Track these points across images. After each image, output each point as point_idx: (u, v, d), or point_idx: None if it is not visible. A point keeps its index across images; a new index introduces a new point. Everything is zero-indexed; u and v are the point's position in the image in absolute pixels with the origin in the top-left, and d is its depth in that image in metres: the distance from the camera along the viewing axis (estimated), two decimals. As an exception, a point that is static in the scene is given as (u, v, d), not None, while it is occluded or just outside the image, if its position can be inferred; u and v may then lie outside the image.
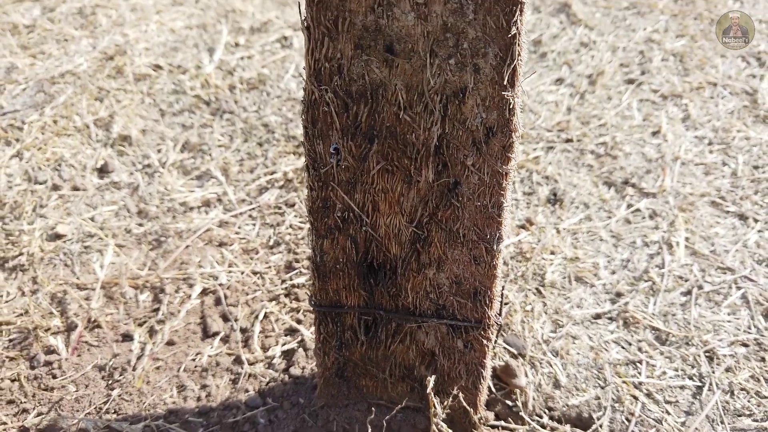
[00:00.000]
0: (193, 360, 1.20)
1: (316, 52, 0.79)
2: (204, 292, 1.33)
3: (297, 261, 1.40)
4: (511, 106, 0.79)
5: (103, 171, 1.64)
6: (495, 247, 0.87)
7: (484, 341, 0.96)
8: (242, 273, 1.37)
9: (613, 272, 1.36)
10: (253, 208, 1.54)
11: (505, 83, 0.77)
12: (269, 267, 1.39)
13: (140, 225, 1.49)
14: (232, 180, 1.61)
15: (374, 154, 0.84)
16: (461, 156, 0.82)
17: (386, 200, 0.86)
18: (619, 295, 1.31)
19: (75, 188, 1.59)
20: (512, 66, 0.77)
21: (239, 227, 1.49)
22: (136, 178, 1.62)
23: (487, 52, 0.77)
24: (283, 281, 1.36)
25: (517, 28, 0.75)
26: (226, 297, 1.31)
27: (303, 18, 0.78)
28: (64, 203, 1.55)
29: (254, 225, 1.50)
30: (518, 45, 0.76)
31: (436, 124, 0.81)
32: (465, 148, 0.82)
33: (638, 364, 1.18)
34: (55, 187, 1.60)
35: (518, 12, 0.74)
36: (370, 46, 0.78)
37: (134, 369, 1.18)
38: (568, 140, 1.68)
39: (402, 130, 0.82)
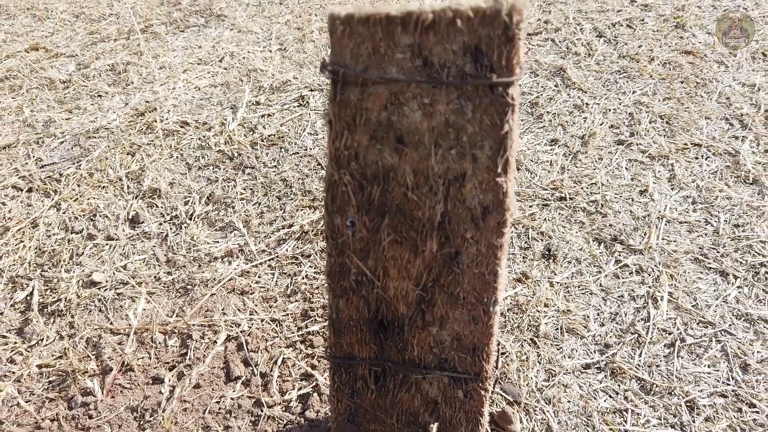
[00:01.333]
0: (218, 402, 1.31)
1: (337, 142, 0.94)
2: (228, 338, 1.45)
3: (312, 310, 1.52)
4: (504, 190, 0.93)
5: (134, 222, 1.79)
6: (491, 309, 0.99)
7: (482, 392, 1.07)
8: (262, 320, 1.50)
9: (602, 324, 1.47)
10: (272, 259, 1.67)
11: (499, 171, 0.91)
12: (287, 315, 1.51)
13: (169, 273, 1.62)
14: (253, 232, 1.75)
15: (385, 227, 0.97)
16: (461, 230, 0.96)
17: (395, 266, 1.00)
18: (607, 346, 1.42)
19: (109, 238, 1.74)
20: (505, 156, 0.91)
21: (259, 276, 1.62)
22: (165, 229, 1.76)
23: (483, 144, 0.91)
24: (299, 329, 1.48)
25: (510, 125, 0.89)
26: (247, 343, 1.43)
27: (325, 111, 0.93)
28: (98, 252, 1.69)
29: (273, 274, 1.63)
30: (510, 139, 0.90)
31: (439, 203, 0.95)
32: (465, 224, 0.95)
33: (624, 413, 1.29)
34: (90, 237, 1.74)
35: (510, 112, 0.88)
36: (383, 137, 0.92)
37: (164, 410, 1.29)
38: (562, 198, 1.82)
39: (410, 208, 0.96)
